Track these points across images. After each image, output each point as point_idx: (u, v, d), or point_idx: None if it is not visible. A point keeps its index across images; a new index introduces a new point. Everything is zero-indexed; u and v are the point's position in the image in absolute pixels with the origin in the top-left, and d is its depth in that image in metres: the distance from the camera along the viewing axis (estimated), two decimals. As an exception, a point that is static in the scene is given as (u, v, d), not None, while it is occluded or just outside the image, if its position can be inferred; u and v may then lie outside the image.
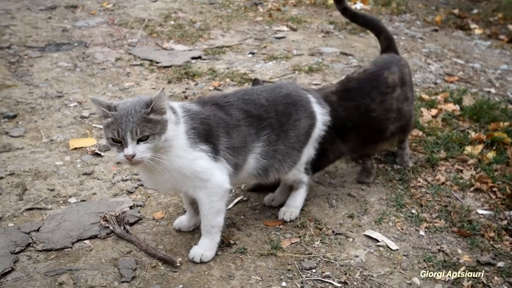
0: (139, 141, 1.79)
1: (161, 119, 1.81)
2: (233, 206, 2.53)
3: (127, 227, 2.28)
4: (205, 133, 1.97)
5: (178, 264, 2.06)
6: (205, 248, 2.10)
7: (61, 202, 2.54)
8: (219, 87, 4.25)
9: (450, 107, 3.77)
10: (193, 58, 5.12)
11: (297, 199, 2.41)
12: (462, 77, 4.88)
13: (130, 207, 2.47)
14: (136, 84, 4.33)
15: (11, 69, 4.56)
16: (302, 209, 2.49)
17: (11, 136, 3.32)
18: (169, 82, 4.38)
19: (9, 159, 2.98)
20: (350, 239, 2.29)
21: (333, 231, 2.33)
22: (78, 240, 2.22)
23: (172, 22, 6.42)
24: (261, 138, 2.11)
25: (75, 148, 3.16)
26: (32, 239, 2.21)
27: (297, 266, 2.10)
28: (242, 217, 2.45)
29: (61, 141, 3.26)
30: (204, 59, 5.06)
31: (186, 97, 4.00)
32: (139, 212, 2.45)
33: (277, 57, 5.18)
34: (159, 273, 2.04)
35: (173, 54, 5.20)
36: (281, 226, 2.37)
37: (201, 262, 2.08)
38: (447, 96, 3.98)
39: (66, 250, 2.16)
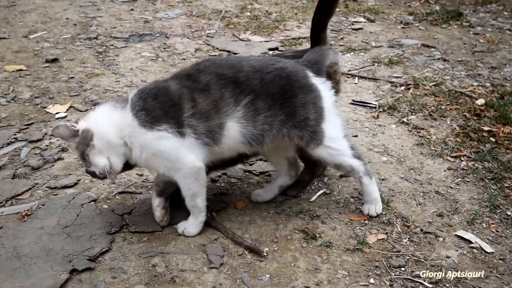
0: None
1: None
2: (316, 199, 2.51)
3: (214, 214, 2.32)
4: (161, 109, 1.96)
5: (265, 254, 2.07)
6: (189, 223, 2.18)
7: (149, 187, 2.63)
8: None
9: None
10: (270, 49, 5.12)
11: (371, 192, 2.30)
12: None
13: (215, 195, 2.51)
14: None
15: (99, 59, 4.76)
16: (387, 205, 2.43)
17: (100, 122, 3.46)
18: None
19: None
20: (440, 239, 2.21)
21: (421, 230, 2.26)
22: (168, 225, 2.28)
23: (248, 14, 6.45)
24: (241, 103, 2.00)
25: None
26: (125, 221, 2.30)
27: (384, 263, 2.06)
28: (326, 210, 2.43)
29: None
30: (281, 50, 5.04)
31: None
32: (223, 199, 2.49)
33: (355, 49, 5.08)
34: (245, 262, 2.07)
35: (250, 45, 5.23)
36: (366, 222, 2.33)
37: (184, 235, 2.20)
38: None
39: (157, 233, 2.24)
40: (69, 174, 2.77)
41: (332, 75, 2.39)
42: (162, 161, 2.02)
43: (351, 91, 4.00)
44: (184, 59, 4.81)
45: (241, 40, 5.44)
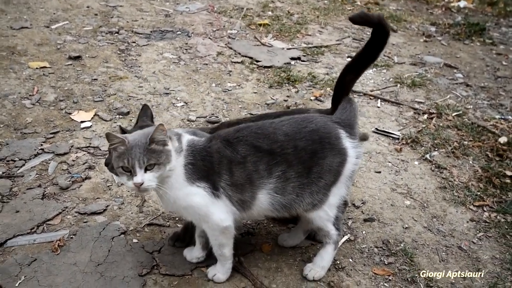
0: (146, 170, 1.91)
1: (163, 149, 1.93)
2: (340, 245, 2.55)
3: (241, 258, 2.36)
4: (205, 170, 2.02)
5: (293, 311, 2.13)
6: (218, 270, 2.26)
7: (177, 219, 2.67)
8: (320, 98, 4.23)
9: None
10: (292, 58, 5.11)
11: (324, 259, 2.32)
12: None
13: (241, 235, 2.55)
14: (237, 86, 4.40)
15: (121, 58, 4.75)
16: (411, 260, 2.48)
17: (125, 136, 3.47)
18: (270, 86, 4.41)
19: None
20: (463, 303, 2.27)
21: (445, 291, 2.32)
22: (196, 267, 2.33)
23: (270, 13, 6.41)
24: (274, 174, 2.04)
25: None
26: (156, 261, 2.35)
27: (409, 327, 2.12)
28: (350, 260, 2.48)
29: (172, 147, 3.38)
30: (303, 61, 5.04)
31: (288, 107, 4.02)
32: (250, 241, 2.53)
33: (377, 64, 5.06)
34: (274, 317, 2.12)
35: (272, 52, 5.21)
36: (390, 277, 2.38)
37: (213, 281, 2.26)
38: None
39: (187, 277, 2.29)
40: (97, 198, 2.81)
41: None
42: (192, 212, 2.08)
43: (374, 115, 4.01)
44: (206, 64, 4.81)
45: (263, 44, 5.42)
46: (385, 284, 2.35)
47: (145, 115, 2.36)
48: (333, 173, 2.13)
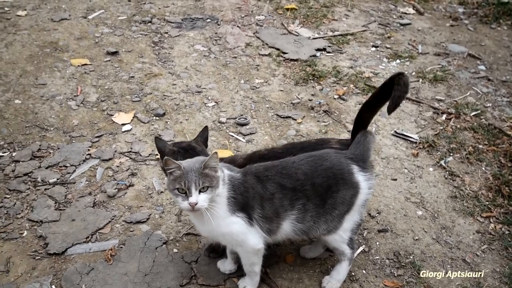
0: (199, 192, 2.19)
1: (214, 175, 2.21)
2: (356, 256, 2.88)
3: (268, 270, 2.73)
4: (243, 203, 2.35)
5: (312, 323, 2.50)
6: (247, 283, 2.59)
7: (211, 229, 3.03)
8: (343, 96, 4.45)
9: None
10: (318, 50, 5.29)
11: (340, 273, 2.64)
12: None
13: (269, 247, 2.89)
14: (265, 82, 4.64)
15: (155, 51, 5.03)
16: (417, 273, 2.80)
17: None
18: (296, 83, 4.64)
19: (165, 171, 3.49)
20: (462, 319, 2.59)
21: (446, 304, 2.64)
22: (228, 278, 2.71)
23: (297, -5, 6.49)
24: (296, 207, 2.39)
25: (217, 162, 3.60)
26: (194, 271, 2.73)
27: None
28: (364, 271, 2.81)
29: (205, 152, 3.71)
30: (329, 52, 5.22)
31: (312, 108, 4.27)
32: (275, 252, 2.89)
33: (401, 56, 5.21)
34: (295, 326, 2.50)
35: (299, 42, 5.39)
36: (399, 290, 2.71)
37: None
38: None
39: (220, 287, 2.67)
40: (140, 206, 3.18)
41: None
42: (230, 238, 2.42)
43: (394, 115, 4.23)
44: (235, 57, 5.04)
45: (290, 32, 5.58)
46: (394, 296, 2.68)
47: (202, 136, 2.71)
48: (346, 204, 2.45)
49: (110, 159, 3.59)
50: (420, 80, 4.79)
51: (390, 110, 2.51)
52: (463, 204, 3.30)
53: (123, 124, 3.96)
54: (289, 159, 2.46)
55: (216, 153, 2.23)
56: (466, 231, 3.11)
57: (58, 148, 3.65)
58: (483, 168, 3.65)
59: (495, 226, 3.14)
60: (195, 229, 3.02)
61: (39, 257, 2.81)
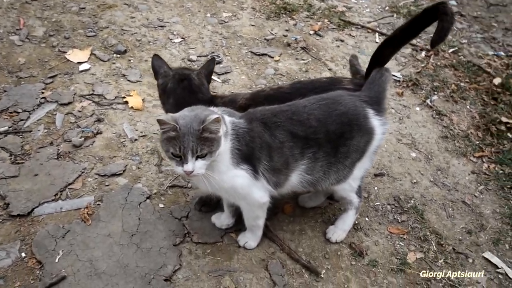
0: (197, 158, 1.90)
1: (215, 137, 1.89)
2: (356, 204, 2.70)
3: (267, 222, 2.48)
4: (248, 154, 2.06)
5: (322, 276, 2.31)
6: (248, 237, 2.38)
7: (197, 180, 2.73)
8: (319, 32, 4.16)
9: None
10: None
11: (346, 222, 2.48)
12: None
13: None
14: (233, 16, 4.25)
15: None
16: (422, 217, 2.67)
17: (129, 80, 3.39)
18: (268, 18, 4.29)
19: (136, 115, 3.10)
20: (470, 260, 2.50)
21: (453, 249, 2.54)
22: (225, 233, 2.45)
23: None
24: (306, 156, 2.11)
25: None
26: (186, 228, 2.44)
27: (425, 287, 2.35)
28: (366, 219, 2.65)
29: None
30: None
31: (289, 44, 3.95)
32: (273, 204, 2.64)
33: (372, -11, 4.93)
34: (304, 281, 2.30)
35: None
36: (404, 236, 2.58)
37: (245, 248, 2.40)
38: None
39: (218, 244, 2.41)
40: (113, 157, 2.80)
41: None
42: (233, 192, 2.14)
43: (373, 52, 4.00)
44: None
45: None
46: (400, 243, 2.54)
47: (206, 69, 2.38)
48: (360, 152, 2.21)
49: (69, 103, 3.13)
50: (395, 15, 4.56)
51: (435, 43, 2.21)
52: (455, 144, 3.19)
53: (80, 63, 3.47)
54: (299, 103, 2.16)
55: (218, 118, 1.87)
56: (461, 172, 3.00)
57: (5, 91, 3.14)
58: (468, 107, 3.54)
59: (489, 166, 3.06)
60: (180, 181, 2.69)
61: (0, 220, 2.39)
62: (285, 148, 2.09)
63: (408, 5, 4.71)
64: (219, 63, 3.67)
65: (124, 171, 2.71)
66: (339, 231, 2.49)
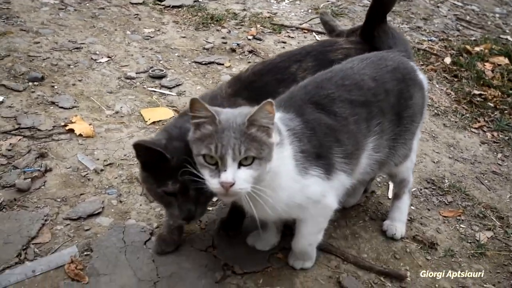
0: (240, 165, 1.33)
1: (266, 140, 1.34)
2: (389, 197, 2.28)
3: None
4: (316, 152, 1.54)
5: (409, 279, 1.82)
6: (306, 257, 1.81)
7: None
8: (258, 36, 3.78)
9: (502, 60, 3.76)
10: (198, -6, 4.48)
11: (403, 211, 2.03)
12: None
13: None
14: (157, 30, 3.70)
15: (-15, 8, 3.62)
16: (466, 194, 2.33)
17: (61, 107, 2.66)
18: (196, 29, 3.82)
19: (89, 143, 2.39)
20: (537, 228, 2.20)
21: (516, 220, 2.22)
22: (270, 256, 1.85)
23: None
24: (372, 130, 1.66)
25: (154, 122, 2.63)
26: (220, 260, 1.80)
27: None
28: (412, 207, 2.23)
29: (129, 113, 2.69)
30: (211, -3, 4.45)
31: (233, 50, 3.51)
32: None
33: (286, -5, 4.74)
34: (392, 292, 1.78)
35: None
36: (462, 218, 2.20)
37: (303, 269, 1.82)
38: (489, 47, 3.97)
39: (269, 270, 1.81)
40: (80, 195, 2.06)
41: None
42: (301, 206, 1.56)
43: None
44: (103, 8, 4.06)
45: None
46: (461, 225, 2.17)
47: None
48: (421, 112, 1.83)
49: (-9, 141, 2.30)
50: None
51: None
52: (450, 119, 2.97)
53: (-16, 93, 2.63)
54: (340, 67, 1.69)
55: (270, 102, 1.29)
56: (471, 144, 2.77)
57: None
58: (437, 86, 3.38)
59: (492, 134, 2.86)
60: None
61: None
62: (350, 124, 1.60)
63: (329, 6, 4.55)
64: (163, 77, 3.09)
65: (103, 208, 1.99)
66: (399, 224, 2.02)
